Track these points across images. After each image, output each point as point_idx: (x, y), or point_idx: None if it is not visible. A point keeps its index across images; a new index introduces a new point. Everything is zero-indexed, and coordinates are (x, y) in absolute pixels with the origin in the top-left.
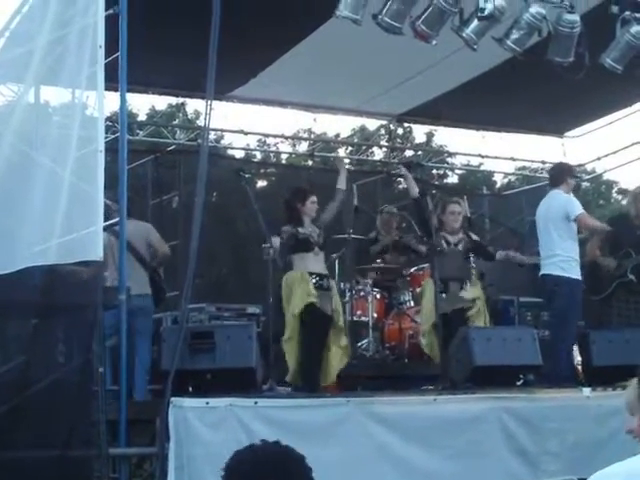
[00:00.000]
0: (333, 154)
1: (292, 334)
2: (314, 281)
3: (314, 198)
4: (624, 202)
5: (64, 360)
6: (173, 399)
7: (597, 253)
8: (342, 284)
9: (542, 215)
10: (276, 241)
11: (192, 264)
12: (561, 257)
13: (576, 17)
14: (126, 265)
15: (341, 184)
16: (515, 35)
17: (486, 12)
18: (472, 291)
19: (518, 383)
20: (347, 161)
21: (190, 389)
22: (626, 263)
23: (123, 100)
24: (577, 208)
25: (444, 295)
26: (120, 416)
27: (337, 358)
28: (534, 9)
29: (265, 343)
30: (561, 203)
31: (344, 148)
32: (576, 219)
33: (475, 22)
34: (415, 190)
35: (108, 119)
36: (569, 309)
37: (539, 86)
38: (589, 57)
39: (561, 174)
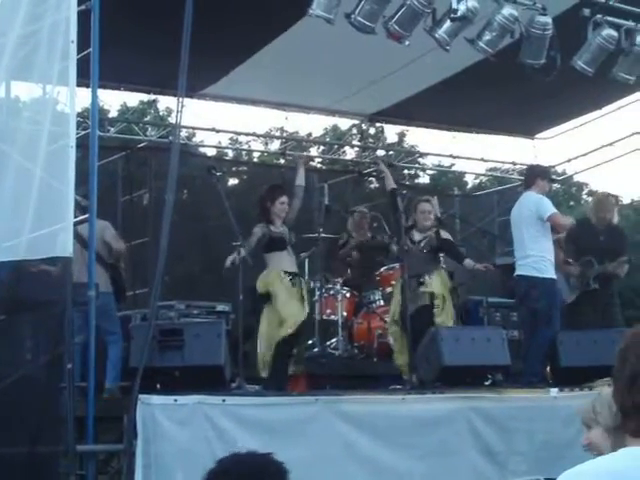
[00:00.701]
0: (305, 153)
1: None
2: (289, 280)
3: (284, 199)
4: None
5: (31, 357)
6: (141, 396)
7: (561, 259)
8: (312, 283)
9: (515, 216)
10: (242, 251)
11: (161, 261)
12: (534, 257)
13: (548, 19)
14: (83, 263)
15: (300, 181)
16: (487, 36)
17: (459, 13)
18: (433, 286)
19: (486, 383)
20: (318, 160)
21: (158, 386)
22: (589, 273)
23: (94, 96)
24: (549, 208)
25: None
26: (88, 413)
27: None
28: (506, 11)
29: (234, 341)
30: (533, 204)
31: (316, 147)
32: (549, 219)
33: (448, 23)
34: (391, 183)
35: (79, 115)
36: (547, 309)
37: (511, 87)
38: (560, 59)
39: (534, 176)
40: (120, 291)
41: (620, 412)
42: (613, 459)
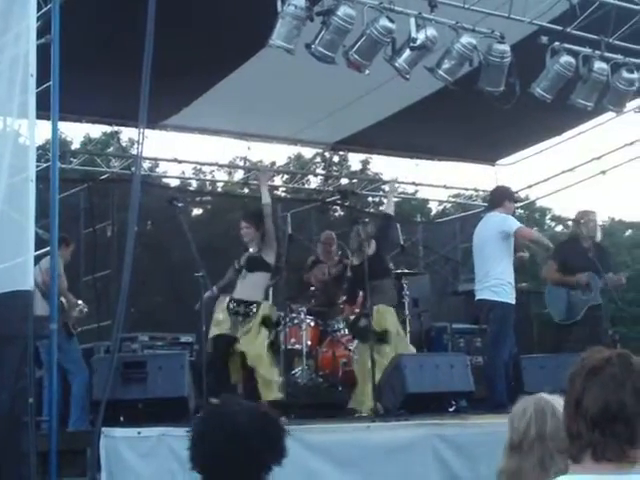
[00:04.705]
0: (269, 182)
1: None
2: (234, 306)
3: (242, 224)
4: (558, 229)
5: None
6: (104, 429)
7: (556, 275)
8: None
9: (478, 238)
10: (208, 294)
11: (124, 293)
12: (493, 281)
13: (506, 47)
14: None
15: (265, 199)
16: (447, 65)
17: (418, 42)
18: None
19: (450, 409)
20: (283, 189)
21: (122, 419)
22: (594, 287)
23: (55, 129)
24: (514, 223)
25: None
26: (50, 447)
27: (266, 393)
28: (465, 39)
29: (198, 372)
30: (497, 223)
31: (280, 176)
32: (516, 232)
33: (407, 52)
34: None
35: (41, 147)
36: (500, 333)
37: (471, 115)
38: (520, 86)
39: (501, 197)
40: (65, 327)
41: (567, 437)
42: None
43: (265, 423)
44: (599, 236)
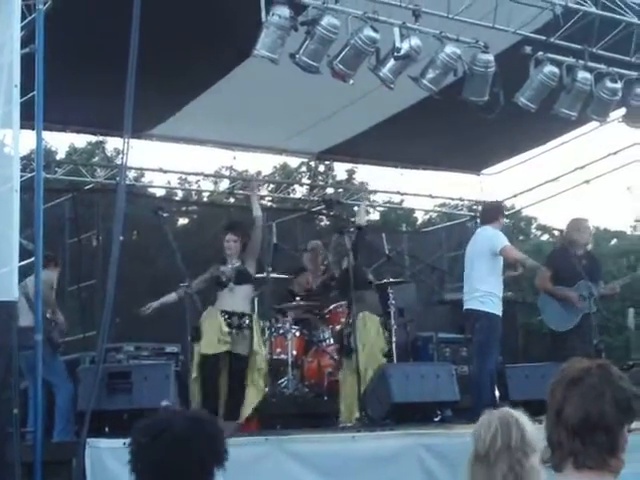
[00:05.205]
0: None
1: (198, 374)
2: (225, 319)
3: (228, 237)
4: (544, 237)
5: None
6: (89, 440)
7: (548, 285)
8: (261, 322)
9: (469, 251)
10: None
11: (109, 303)
12: (481, 292)
13: (490, 57)
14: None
15: (256, 211)
16: (431, 74)
17: (402, 52)
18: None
19: (436, 419)
20: (269, 199)
21: (107, 429)
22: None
23: (39, 139)
24: (503, 241)
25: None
26: (35, 458)
27: (252, 395)
28: (449, 49)
29: (184, 382)
30: (488, 238)
31: (265, 185)
32: (501, 251)
33: (391, 61)
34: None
35: (26, 157)
36: (486, 343)
37: (455, 124)
38: (504, 96)
39: (495, 212)
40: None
41: (548, 446)
42: None
43: (203, 428)
44: (590, 245)
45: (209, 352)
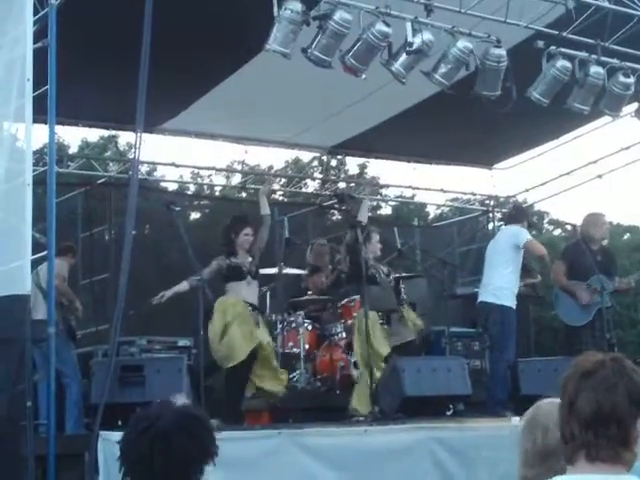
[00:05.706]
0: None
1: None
2: (250, 311)
3: (248, 230)
4: (556, 232)
5: None
6: (102, 433)
7: (563, 281)
8: (273, 316)
9: (491, 246)
10: (186, 284)
11: (121, 297)
12: (495, 285)
13: (502, 51)
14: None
15: (264, 210)
16: (443, 69)
17: (414, 47)
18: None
19: (448, 413)
20: (280, 193)
21: (120, 422)
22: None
23: (52, 133)
24: (527, 235)
25: (386, 327)
26: (49, 451)
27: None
28: (461, 44)
29: (196, 376)
30: (512, 232)
31: (277, 180)
32: (526, 244)
33: (404, 56)
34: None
35: (39, 151)
36: (501, 336)
37: (468, 119)
38: (516, 91)
39: (523, 215)
40: (69, 330)
41: (561, 439)
42: None
43: (189, 423)
44: (606, 240)
45: (248, 349)
